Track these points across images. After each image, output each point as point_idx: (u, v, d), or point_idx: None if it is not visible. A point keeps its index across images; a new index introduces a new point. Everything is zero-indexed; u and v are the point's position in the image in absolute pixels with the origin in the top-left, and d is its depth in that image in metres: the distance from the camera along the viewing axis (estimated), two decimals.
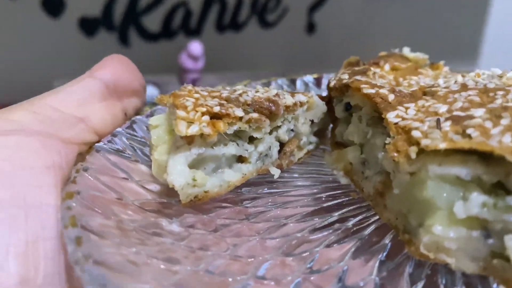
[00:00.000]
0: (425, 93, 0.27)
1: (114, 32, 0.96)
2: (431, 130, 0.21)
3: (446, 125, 0.21)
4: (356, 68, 0.32)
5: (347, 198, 0.27)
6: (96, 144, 0.27)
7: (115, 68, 0.30)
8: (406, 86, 0.30)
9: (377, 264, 0.22)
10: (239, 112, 0.26)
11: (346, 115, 0.30)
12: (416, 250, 0.20)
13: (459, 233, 0.19)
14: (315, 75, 0.42)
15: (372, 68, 0.32)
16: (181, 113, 0.24)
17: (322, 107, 0.31)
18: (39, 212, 0.22)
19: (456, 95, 0.25)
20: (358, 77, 0.30)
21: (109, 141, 0.28)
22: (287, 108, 0.28)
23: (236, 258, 0.22)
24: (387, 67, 0.33)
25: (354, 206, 0.26)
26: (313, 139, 0.32)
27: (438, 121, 0.21)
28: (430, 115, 0.23)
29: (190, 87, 0.29)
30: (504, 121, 0.20)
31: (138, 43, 0.99)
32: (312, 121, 0.31)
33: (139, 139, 0.30)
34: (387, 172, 0.24)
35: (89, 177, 0.24)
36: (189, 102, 0.26)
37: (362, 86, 0.27)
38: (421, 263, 0.22)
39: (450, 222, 0.20)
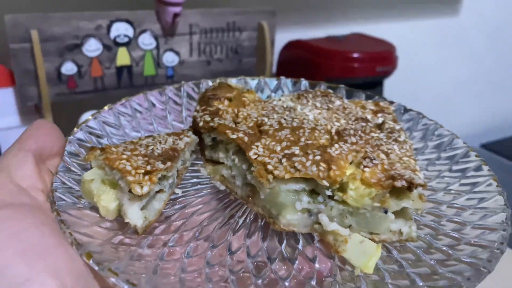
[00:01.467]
0: (260, 132, 0.44)
1: None
2: (277, 165, 0.39)
3: (284, 161, 0.39)
4: (210, 109, 0.48)
5: (228, 199, 0.44)
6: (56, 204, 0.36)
7: (39, 136, 0.38)
8: (243, 119, 0.48)
9: (261, 239, 0.40)
10: (161, 165, 0.39)
11: (212, 143, 0.46)
12: (279, 227, 0.39)
13: (299, 216, 0.39)
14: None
15: (219, 106, 0.48)
16: (130, 178, 0.36)
17: (196, 139, 0.46)
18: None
19: (279, 134, 0.43)
20: (217, 120, 0.45)
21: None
22: (181, 150, 0.42)
23: (190, 259, 0.37)
24: (226, 102, 0.50)
25: (235, 204, 0.44)
26: (191, 158, 0.47)
27: (280, 159, 0.39)
28: (272, 153, 0.40)
29: (113, 148, 0.40)
30: (310, 156, 0.39)
31: None
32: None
33: (67, 187, 0.40)
34: (253, 185, 0.42)
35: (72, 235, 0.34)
36: (128, 166, 0.37)
37: (227, 131, 0.43)
38: (281, 233, 0.41)
39: (294, 212, 0.39)
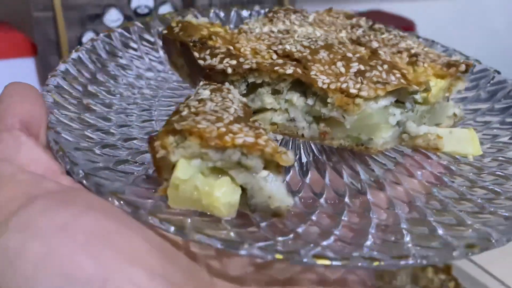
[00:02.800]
0: (297, 60, 0.37)
1: None
2: (359, 86, 0.35)
3: (362, 80, 0.35)
4: (221, 50, 0.37)
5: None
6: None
7: (20, 108, 0.28)
8: (253, 54, 0.39)
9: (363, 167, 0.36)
10: (261, 125, 0.29)
11: (246, 90, 0.37)
12: (375, 150, 0.36)
13: (391, 132, 0.36)
14: None
15: (229, 47, 0.38)
16: (268, 149, 0.26)
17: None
18: None
19: (320, 56, 0.37)
20: (246, 60, 0.36)
21: None
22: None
23: None
24: (219, 40, 0.39)
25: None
26: None
27: (357, 80, 0.35)
28: (339, 76, 0.35)
29: (197, 125, 0.27)
30: (379, 68, 0.36)
31: None
32: None
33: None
34: (326, 119, 0.36)
35: None
36: (248, 138, 0.27)
37: (276, 68, 0.35)
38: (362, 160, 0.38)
39: (389, 128, 0.36)
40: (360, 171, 0.38)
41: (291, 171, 0.37)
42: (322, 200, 0.34)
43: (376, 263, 0.25)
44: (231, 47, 0.38)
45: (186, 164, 0.27)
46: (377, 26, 0.45)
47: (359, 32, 0.43)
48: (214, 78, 0.36)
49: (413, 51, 0.40)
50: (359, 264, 0.25)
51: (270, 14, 0.46)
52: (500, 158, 0.37)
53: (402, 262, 0.25)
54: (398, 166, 0.37)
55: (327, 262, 0.24)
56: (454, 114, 0.41)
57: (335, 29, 0.44)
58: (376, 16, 1.33)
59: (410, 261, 0.25)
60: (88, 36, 0.81)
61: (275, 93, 0.36)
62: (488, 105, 0.43)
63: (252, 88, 0.37)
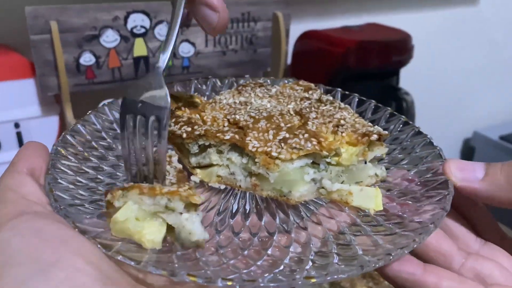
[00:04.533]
0: (241, 128, 0.48)
1: None
2: (280, 150, 0.44)
3: (283, 146, 0.45)
4: (182, 119, 0.49)
5: (234, 193, 0.48)
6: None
7: (29, 158, 0.41)
8: (212, 121, 0.50)
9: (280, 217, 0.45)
10: (191, 184, 0.40)
11: (198, 150, 0.48)
12: (293, 201, 0.45)
13: (307, 187, 0.45)
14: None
15: (192, 115, 0.50)
16: (184, 193, 0.37)
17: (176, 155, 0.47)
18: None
19: (259, 125, 0.47)
20: (198, 127, 0.47)
21: None
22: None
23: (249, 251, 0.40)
24: (187, 110, 0.51)
25: (233, 195, 0.47)
26: None
27: (279, 145, 0.45)
28: (267, 141, 0.45)
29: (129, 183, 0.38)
30: (300, 136, 0.46)
31: None
32: None
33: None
34: (257, 174, 0.46)
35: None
36: (171, 188, 0.37)
37: (218, 135, 0.46)
38: (293, 205, 0.47)
39: (304, 184, 0.45)
40: (278, 218, 0.46)
41: (237, 216, 0.46)
42: (255, 239, 0.43)
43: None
44: (194, 116, 0.50)
45: (126, 208, 0.38)
46: (324, 98, 0.55)
47: (305, 104, 0.53)
48: (174, 140, 0.47)
49: (342, 122, 0.49)
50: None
51: (240, 88, 0.57)
52: (398, 213, 0.44)
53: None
54: (313, 215, 0.46)
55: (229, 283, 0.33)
56: (376, 175, 0.49)
57: (288, 101, 0.54)
58: (372, 29, 1.25)
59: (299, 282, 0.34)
60: (85, 57, 0.83)
61: (219, 153, 0.47)
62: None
63: (203, 148, 0.47)
